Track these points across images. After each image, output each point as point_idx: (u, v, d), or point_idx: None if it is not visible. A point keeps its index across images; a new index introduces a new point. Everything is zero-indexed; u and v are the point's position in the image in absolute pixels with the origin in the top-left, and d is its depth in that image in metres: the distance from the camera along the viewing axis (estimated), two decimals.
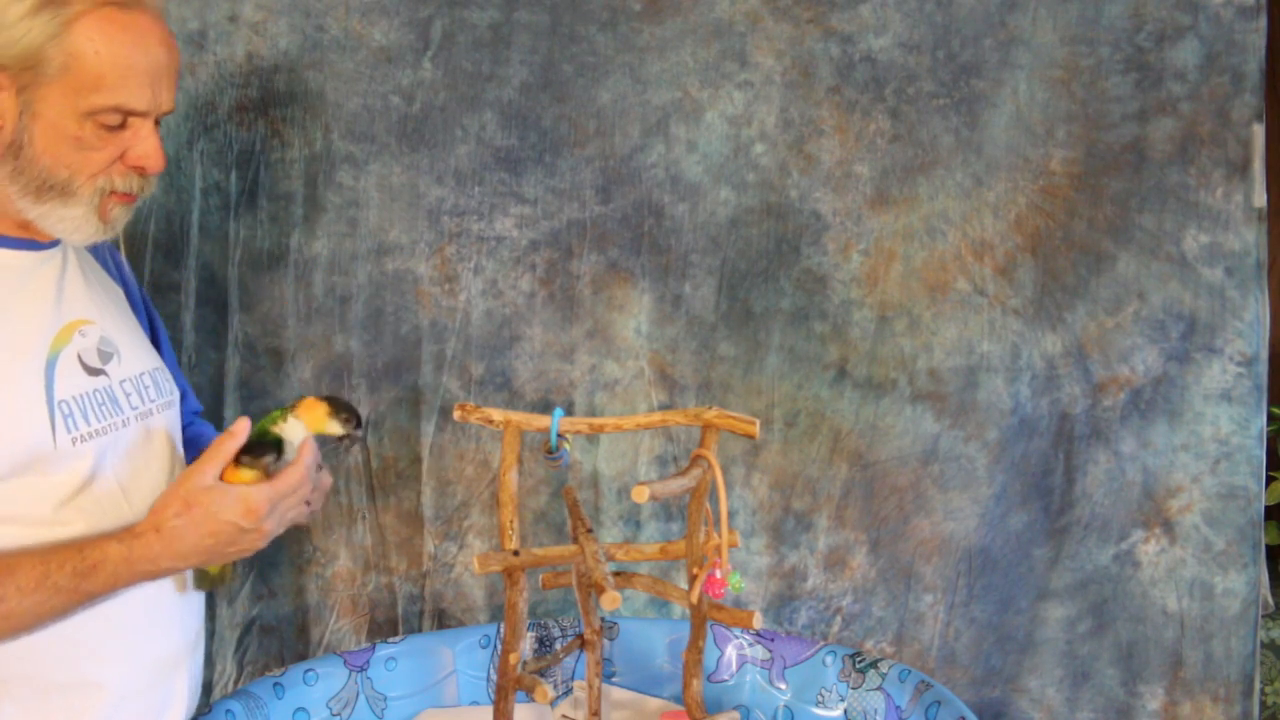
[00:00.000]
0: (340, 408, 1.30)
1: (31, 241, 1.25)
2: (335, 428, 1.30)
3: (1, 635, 1.15)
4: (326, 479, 1.36)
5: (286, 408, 1.30)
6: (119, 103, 1.18)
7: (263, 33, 2.04)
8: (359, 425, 1.32)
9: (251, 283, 2.09)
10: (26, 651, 1.18)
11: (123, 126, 1.20)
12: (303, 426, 1.29)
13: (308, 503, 1.31)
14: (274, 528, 1.23)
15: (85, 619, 1.20)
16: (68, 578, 1.15)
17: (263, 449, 1.24)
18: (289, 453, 1.28)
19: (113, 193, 1.23)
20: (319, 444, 1.29)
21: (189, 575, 1.37)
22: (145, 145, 1.22)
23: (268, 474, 1.23)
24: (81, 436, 1.21)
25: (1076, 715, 2.15)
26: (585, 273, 2.12)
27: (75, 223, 1.22)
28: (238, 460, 1.23)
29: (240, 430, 1.24)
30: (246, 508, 1.20)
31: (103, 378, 1.27)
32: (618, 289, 2.13)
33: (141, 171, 1.24)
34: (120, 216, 1.26)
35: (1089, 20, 2.05)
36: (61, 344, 1.23)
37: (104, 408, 1.26)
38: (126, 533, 1.19)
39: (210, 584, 1.38)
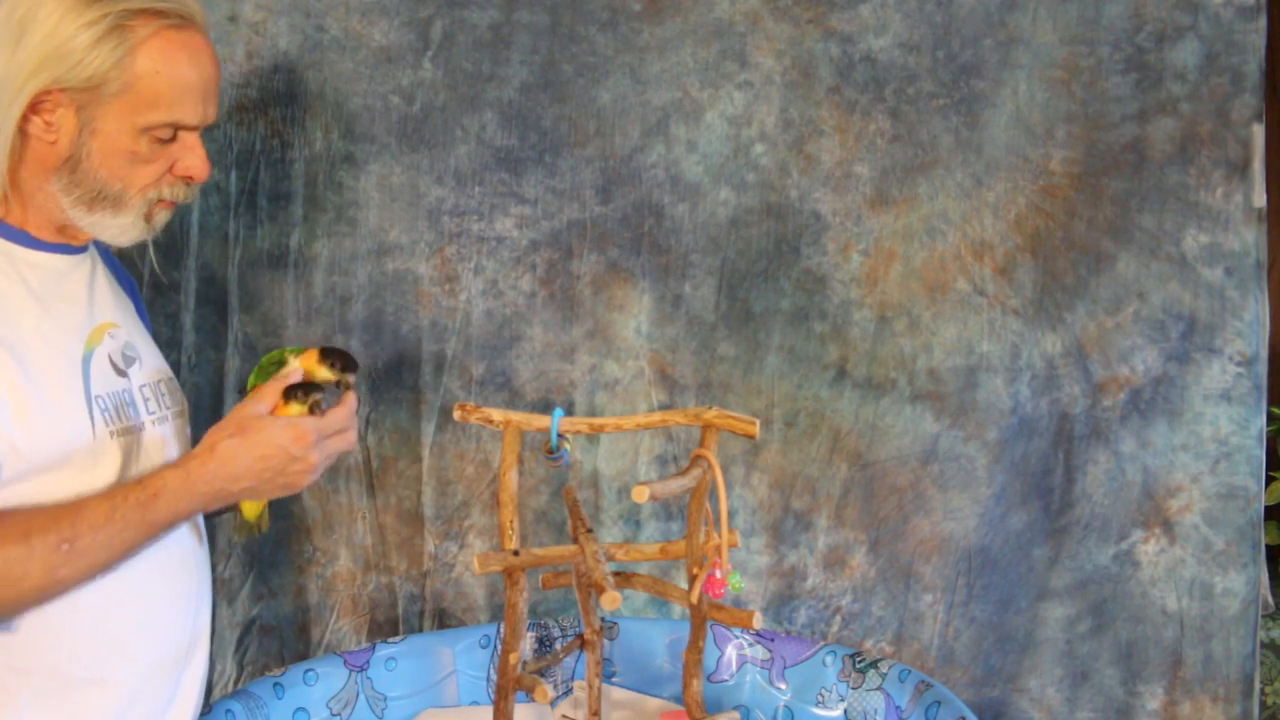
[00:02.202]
0: (331, 355, 1.36)
1: (66, 246, 1.30)
2: (325, 373, 1.36)
3: (79, 575, 1.18)
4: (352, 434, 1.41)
5: (291, 350, 1.37)
6: (174, 118, 1.24)
7: (263, 33, 2.04)
8: (351, 371, 1.37)
9: (251, 283, 2.09)
10: (47, 645, 1.21)
11: (173, 139, 1.26)
12: (299, 370, 1.35)
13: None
14: (319, 461, 1.28)
15: (101, 612, 1.24)
16: (132, 509, 1.19)
17: (310, 388, 1.30)
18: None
19: (160, 200, 1.29)
20: (316, 388, 1.35)
21: (229, 526, 1.42)
22: (193, 156, 1.28)
23: (312, 412, 1.29)
24: (115, 432, 1.27)
25: (1076, 715, 2.15)
26: (585, 273, 2.12)
27: (122, 228, 1.28)
28: (285, 399, 1.29)
29: (292, 372, 1.31)
30: (295, 434, 1.25)
31: (125, 380, 1.32)
32: (618, 289, 2.13)
33: (189, 180, 1.30)
34: (162, 219, 1.32)
35: (1089, 20, 2.05)
36: (94, 343, 1.29)
37: (129, 408, 1.31)
38: (182, 458, 1.26)
39: (248, 531, 1.46)
